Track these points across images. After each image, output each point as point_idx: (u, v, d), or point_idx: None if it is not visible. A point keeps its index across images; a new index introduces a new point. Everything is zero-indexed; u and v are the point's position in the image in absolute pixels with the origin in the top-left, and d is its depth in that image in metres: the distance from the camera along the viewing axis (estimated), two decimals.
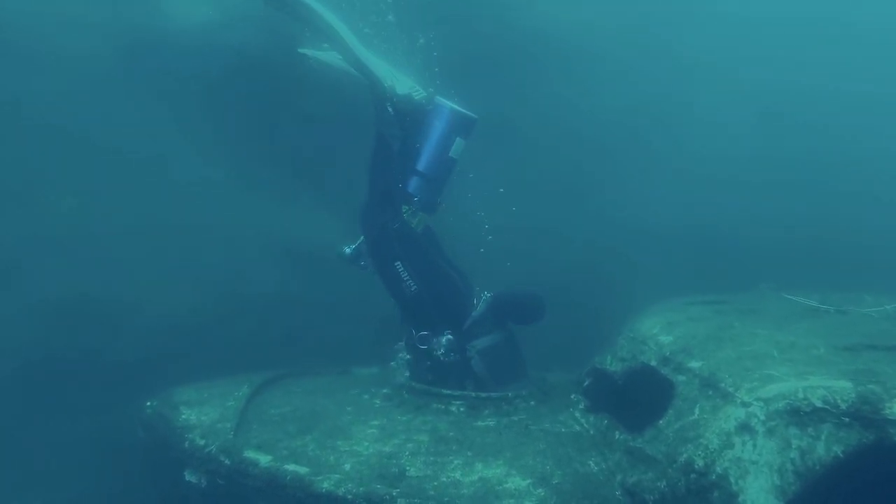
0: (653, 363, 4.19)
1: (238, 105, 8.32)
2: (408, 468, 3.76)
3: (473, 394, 4.67)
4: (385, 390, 4.93)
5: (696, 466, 3.29)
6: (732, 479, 3.18)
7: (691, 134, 10.15)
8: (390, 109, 5.09)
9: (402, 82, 5.14)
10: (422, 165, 5.29)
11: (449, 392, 4.70)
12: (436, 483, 3.60)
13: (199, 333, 7.76)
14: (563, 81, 9.63)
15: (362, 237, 5.35)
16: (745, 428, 3.28)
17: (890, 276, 6.37)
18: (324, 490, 3.57)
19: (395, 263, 4.98)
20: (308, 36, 5.59)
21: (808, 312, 4.74)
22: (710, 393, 3.58)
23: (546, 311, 5.24)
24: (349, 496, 3.50)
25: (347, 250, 5.37)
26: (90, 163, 7.81)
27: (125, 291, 7.61)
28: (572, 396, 4.70)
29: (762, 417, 3.26)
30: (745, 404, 3.35)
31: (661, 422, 3.69)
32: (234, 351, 7.67)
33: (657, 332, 4.48)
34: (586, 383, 4.75)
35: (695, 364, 3.87)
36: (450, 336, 5.03)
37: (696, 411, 3.56)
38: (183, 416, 4.50)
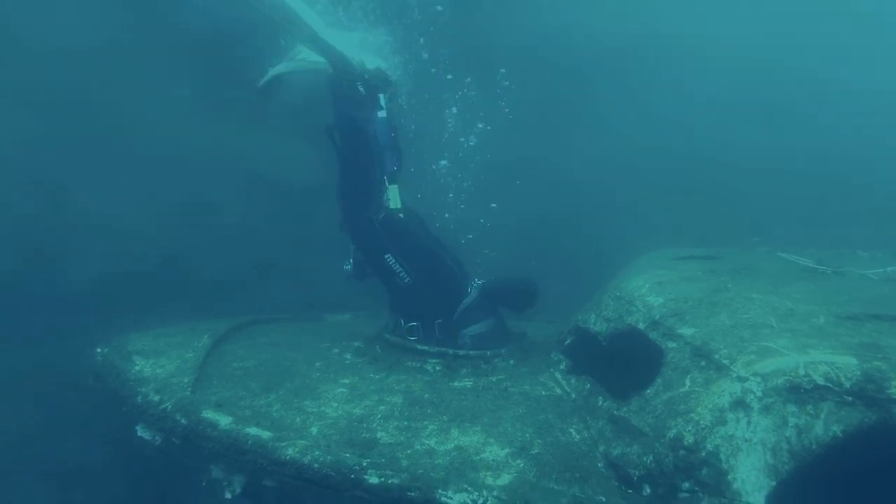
0: (641, 326, 3.94)
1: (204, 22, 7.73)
2: (379, 434, 3.51)
3: (451, 351, 4.41)
4: (357, 343, 4.65)
5: (686, 442, 3.09)
6: (723, 457, 2.99)
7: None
8: (361, 89, 4.70)
9: (367, 61, 4.77)
10: (382, 138, 4.92)
11: (424, 348, 4.43)
12: (409, 451, 3.36)
13: (161, 261, 7.44)
14: None
15: (353, 245, 5.02)
16: (739, 404, 3.07)
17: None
18: (288, 457, 3.30)
19: (385, 256, 4.72)
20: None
21: (805, 272, 4.52)
22: (703, 364, 3.35)
23: (538, 298, 4.97)
24: (315, 465, 3.23)
25: (347, 267, 5.08)
26: (48, 76, 7.26)
27: (82, 215, 7.18)
28: (553, 355, 4.47)
29: (759, 394, 3.05)
30: (741, 379, 3.13)
31: (648, 391, 3.47)
32: (198, 280, 7.39)
33: (646, 293, 4.22)
34: (568, 341, 4.51)
35: (687, 331, 3.62)
36: (440, 323, 4.75)
37: (688, 383, 3.34)
38: (136, 368, 4.18)
